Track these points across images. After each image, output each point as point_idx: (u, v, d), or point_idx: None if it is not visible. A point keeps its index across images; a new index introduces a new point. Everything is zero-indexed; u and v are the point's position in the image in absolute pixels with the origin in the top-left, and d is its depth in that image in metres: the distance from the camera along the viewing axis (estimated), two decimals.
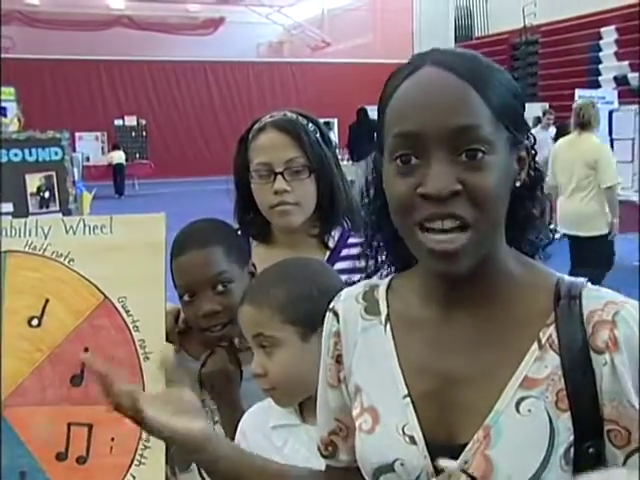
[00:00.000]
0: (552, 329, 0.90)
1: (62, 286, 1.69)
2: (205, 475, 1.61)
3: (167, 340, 1.70)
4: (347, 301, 1.05)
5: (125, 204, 15.81)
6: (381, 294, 1.03)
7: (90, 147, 20.05)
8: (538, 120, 10.96)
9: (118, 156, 19.12)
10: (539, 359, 0.90)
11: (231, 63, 24.19)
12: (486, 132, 0.87)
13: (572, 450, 0.87)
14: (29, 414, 1.65)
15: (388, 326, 1.00)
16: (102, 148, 20.73)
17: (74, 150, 17.09)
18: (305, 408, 1.41)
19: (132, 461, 1.62)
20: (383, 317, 1.01)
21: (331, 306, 1.07)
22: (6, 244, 1.71)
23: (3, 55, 20.45)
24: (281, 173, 1.71)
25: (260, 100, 22.14)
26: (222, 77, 24.44)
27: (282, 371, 1.33)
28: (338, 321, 1.04)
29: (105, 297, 1.68)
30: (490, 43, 20.42)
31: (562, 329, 0.89)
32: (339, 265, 1.77)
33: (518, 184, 0.94)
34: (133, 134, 21.74)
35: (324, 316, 1.08)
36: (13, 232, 1.72)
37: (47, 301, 1.68)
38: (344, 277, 1.54)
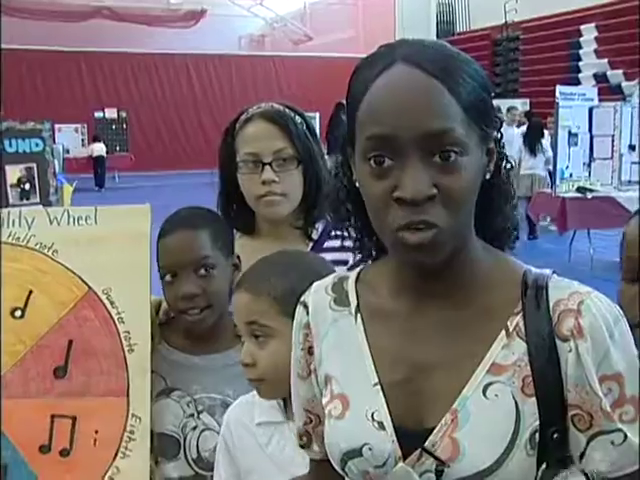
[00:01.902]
0: (519, 318, 0.94)
1: (46, 277, 1.67)
2: (193, 464, 1.61)
3: None
4: (317, 293, 1.07)
5: (106, 197, 15.68)
6: (350, 285, 1.05)
7: (70, 139, 19.82)
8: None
9: (99, 148, 18.95)
10: (507, 346, 0.93)
11: (213, 56, 24.05)
12: (459, 134, 0.88)
13: (537, 435, 0.90)
14: (12, 406, 1.64)
15: (359, 316, 1.02)
16: (82, 140, 20.52)
17: (54, 142, 16.93)
18: (290, 405, 1.41)
19: (116, 453, 1.62)
20: (353, 308, 1.03)
21: (302, 299, 1.09)
22: None
23: None
24: (269, 163, 1.71)
25: (242, 93, 22.03)
26: (204, 70, 24.29)
27: (272, 362, 1.32)
28: (308, 313, 1.07)
29: (89, 288, 1.67)
30: (472, 39, 20.47)
31: (529, 317, 0.93)
32: (321, 257, 1.78)
33: (488, 176, 0.96)
34: (114, 126, 21.53)
35: None
36: None
37: (30, 292, 1.67)
38: None
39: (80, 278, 1.67)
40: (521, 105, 14.16)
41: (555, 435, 0.90)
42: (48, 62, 21.57)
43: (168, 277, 1.63)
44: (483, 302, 0.96)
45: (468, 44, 19.76)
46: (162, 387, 1.66)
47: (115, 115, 21.66)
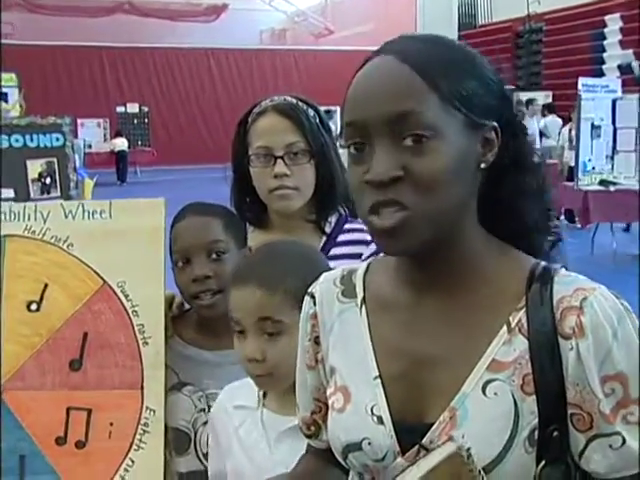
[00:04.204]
0: (522, 313, 0.91)
1: (61, 271, 1.69)
2: (203, 459, 1.62)
3: None
4: (324, 284, 1.07)
5: (127, 191, 15.79)
6: (358, 277, 1.05)
7: (92, 134, 20.01)
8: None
9: (120, 143, 19.08)
10: (508, 342, 0.91)
11: (234, 50, 24.10)
12: (428, 116, 0.87)
13: (536, 433, 0.88)
14: (29, 398, 1.66)
15: (364, 309, 1.02)
16: (104, 135, 20.68)
17: (76, 137, 17.09)
18: (268, 393, 1.42)
19: (131, 445, 1.63)
20: (359, 300, 1.02)
21: (309, 290, 1.09)
22: (5, 228, 1.71)
23: (4, 41, 20.48)
24: (281, 157, 1.71)
25: (262, 87, 22.03)
26: (225, 64, 24.35)
27: (283, 358, 1.31)
28: (315, 304, 1.07)
29: (104, 282, 1.68)
30: (494, 31, 20.31)
31: (532, 314, 0.90)
32: (335, 251, 1.78)
33: (483, 165, 0.93)
34: (135, 121, 21.67)
35: None
36: (12, 216, 1.72)
37: (46, 286, 1.68)
38: (339, 263, 1.53)
39: (95, 271, 1.68)
40: (543, 98, 14.05)
41: (555, 433, 0.88)
42: (71, 58, 21.75)
43: (180, 263, 1.63)
44: (485, 296, 0.94)
45: (490, 37, 19.63)
46: (174, 381, 1.67)
47: (137, 110, 21.80)
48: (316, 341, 1.07)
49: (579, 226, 8.82)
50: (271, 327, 1.33)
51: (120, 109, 21.49)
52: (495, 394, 0.90)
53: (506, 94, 0.97)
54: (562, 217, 9.74)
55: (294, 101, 1.76)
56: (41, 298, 1.68)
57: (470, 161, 0.91)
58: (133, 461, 1.63)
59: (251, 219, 1.85)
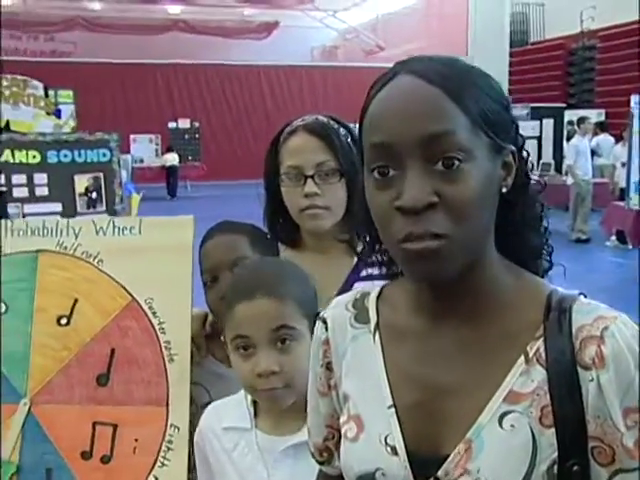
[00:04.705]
0: (540, 343, 0.88)
1: (91, 286, 1.71)
2: None
3: (194, 344, 1.71)
4: (336, 309, 1.05)
5: (177, 205, 16.03)
6: (371, 302, 1.03)
7: (144, 149, 20.37)
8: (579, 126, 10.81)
9: (172, 158, 19.37)
10: (525, 373, 0.88)
11: (285, 67, 24.31)
12: (461, 139, 0.84)
13: (555, 467, 0.85)
14: (56, 412, 1.68)
15: (377, 335, 0.99)
16: (156, 150, 21.04)
17: (128, 152, 17.42)
18: (260, 413, 1.40)
19: (155, 462, 1.63)
20: (372, 325, 1.00)
21: (321, 314, 1.07)
22: (38, 243, 1.75)
23: (64, 59, 21.02)
24: (311, 176, 1.70)
25: (313, 104, 22.18)
26: (275, 81, 24.57)
27: (299, 367, 1.29)
28: (327, 329, 1.05)
29: (132, 298, 1.69)
30: (546, 49, 20.08)
31: (550, 343, 0.87)
32: (367, 271, 1.75)
33: (504, 190, 0.91)
34: (186, 136, 22.00)
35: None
36: (45, 232, 1.75)
37: (76, 301, 1.71)
38: (371, 283, 1.51)
39: (124, 288, 1.70)
40: (596, 116, 13.82)
41: (575, 468, 0.85)
42: (126, 74, 22.19)
43: (209, 281, 1.65)
44: (502, 324, 0.91)
45: (542, 54, 19.43)
46: (206, 400, 1.67)
47: (188, 125, 22.13)
48: (328, 367, 1.05)
49: (630, 247, 8.62)
50: (286, 335, 1.32)
51: (172, 124, 21.84)
52: (512, 426, 0.87)
53: (514, 117, 0.94)
54: (613, 237, 9.54)
55: (325, 120, 1.76)
56: (71, 313, 1.70)
57: (494, 185, 0.89)
58: (157, 478, 1.63)
59: (283, 238, 1.84)
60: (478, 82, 0.89)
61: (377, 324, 1.00)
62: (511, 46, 21.94)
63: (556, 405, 0.85)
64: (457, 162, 0.84)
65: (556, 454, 0.85)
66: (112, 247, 1.72)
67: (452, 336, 0.93)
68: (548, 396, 0.86)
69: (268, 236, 1.83)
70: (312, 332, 1.31)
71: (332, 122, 1.78)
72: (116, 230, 1.73)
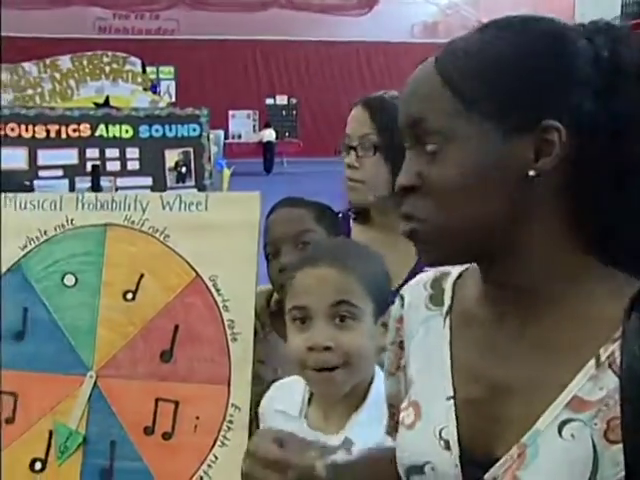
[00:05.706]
0: (616, 346, 0.77)
1: (156, 261, 1.70)
2: None
3: (259, 320, 1.68)
4: (415, 287, 1.00)
5: (272, 181, 16.17)
6: (449, 284, 0.96)
7: (242, 125, 20.70)
8: None
9: (269, 134, 19.58)
10: (594, 378, 0.78)
11: (384, 44, 24.07)
12: (441, 123, 0.81)
13: None
14: (121, 386, 1.68)
15: (448, 320, 0.93)
16: (253, 126, 21.31)
17: (227, 127, 17.72)
18: (312, 402, 1.33)
19: (215, 441, 1.61)
20: (445, 309, 0.94)
21: (401, 291, 1.03)
22: (107, 217, 1.75)
23: (167, 37, 21.50)
24: (354, 148, 1.71)
25: None
26: (374, 58, 24.38)
27: (357, 346, 1.23)
28: (403, 306, 1.00)
29: (197, 275, 1.67)
30: None
31: (627, 348, 0.74)
32: None
33: (532, 173, 0.79)
34: (284, 113, 22.19)
35: (388, 302, 1.06)
36: (114, 205, 1.75)
37: (142, 275, 1.70)
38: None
39: (189, 264, 1.68)
40: None
41: None
42: (227, 51, 22.53)
43: (271, 254, 1.64)
44: (573, 322, 0.82)
45: None
46: (273, 377, 1.64)
47: (285, 102, 22.31)
48: (400, 346, 1.00)
49: None
50: (347, 312, 1.23)
51: (269, 101, 22.05)
52: (572, 436, 0.78)
53: (579, 80, 0.80)
54: None
55: (386, 96, 1.74)
56: (137, 288, 1.70)
57: (504, 170, 0.80)
58: (217, 457, 1.61)
59: (354, 214, 1.84)
60: (503, 56, 0.80)
61: (450, 308, 0.94)
62: (621, 17, 20.93)
63: (627, 418, 0.73)
64: (435, 145, 0.81)
65: (622, 474, 0.74)
66: (178, 222, 1.70)
67: (517, 329, 0.85)
68: (618, 407, 0.74)
69: (339, 215, 1.80)
70: (376, 317, 1.26)
71: (396, 100, 1.71)
72: (183, 205, 1.71)
